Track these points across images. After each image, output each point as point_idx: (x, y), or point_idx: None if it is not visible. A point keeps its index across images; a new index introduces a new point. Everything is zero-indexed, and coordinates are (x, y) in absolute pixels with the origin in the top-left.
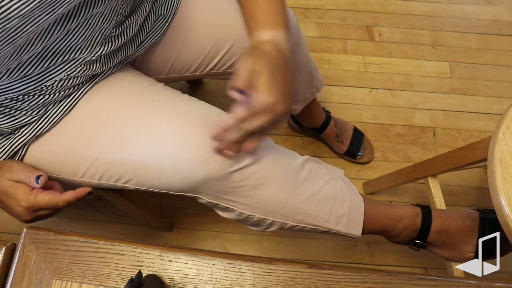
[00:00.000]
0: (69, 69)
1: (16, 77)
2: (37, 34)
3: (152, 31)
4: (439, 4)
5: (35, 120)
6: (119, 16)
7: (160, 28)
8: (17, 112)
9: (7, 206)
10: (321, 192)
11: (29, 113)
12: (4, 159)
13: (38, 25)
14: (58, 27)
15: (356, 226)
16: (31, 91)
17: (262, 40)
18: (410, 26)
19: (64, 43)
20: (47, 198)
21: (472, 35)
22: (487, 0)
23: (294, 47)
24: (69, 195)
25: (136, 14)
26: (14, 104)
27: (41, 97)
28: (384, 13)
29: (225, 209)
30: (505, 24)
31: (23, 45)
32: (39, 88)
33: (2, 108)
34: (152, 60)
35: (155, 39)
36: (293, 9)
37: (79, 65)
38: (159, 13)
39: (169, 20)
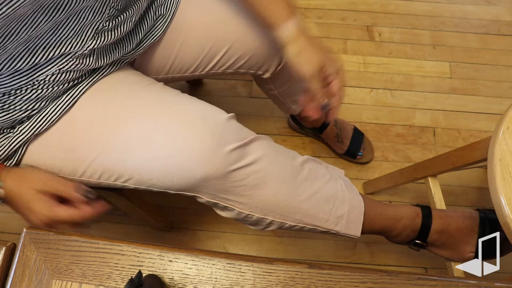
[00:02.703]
0: (60, 63)
1: (7, 72)
2: (21, 22)
3: (151, 31)
4: (439, 4)
5: (32, 116)
6: (111, 9)
7: (159, 28)
8: (11, 107)
9: (23, 214)
10: (320, 192)
11: (23, 107)
12: (3, 158)
13: (15, 8)
14: (44, 17)
15: (355, 227)
16: (23, 85)
17: (291, 32)
18: (410, 26)
19: (54, 37)
20: (66, 214)
21: (472, 35)
22: (487, 0)
23: None
24: (88, 212)
25: (131, 10)
26: (7, 99)
27: (34, 91)
28: (384, 13)
29: (224, 208)
30: (505, 24)
31: (6, 33)
32: (30, 82)
33: None
34: (151, 60)
35: (154, 38)
36: None
37: (70, 59)
38: (159, 13)
39: (168, 20)
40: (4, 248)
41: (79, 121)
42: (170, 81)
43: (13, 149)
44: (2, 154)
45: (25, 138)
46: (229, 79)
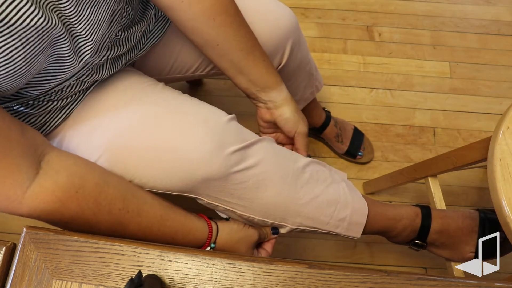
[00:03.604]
0: (79, 73)
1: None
2: None
3: (152, 32)
4: (439, 4)
5: (37, 127)
6: (123, 19)
7: (160, 29)
8: (26, 122)
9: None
10: (322, 196)
11: (36, 121)
12: None
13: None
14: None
15: (356, 229)
16: (41, 96)
17: (286, 94)
18: (410, 26)
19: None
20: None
21: (472, 35)
22: (487, 0)
23: (294, 47)
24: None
25: (142, 22)
26: (24, 109)
27: (50, 103)
28: (384, 13)
29: (225, 211)
30: (505, 24)
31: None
32: (49, 93)
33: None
34: (152, 61)
35: (155, 40)
36: (293, 9)
37: (87, 69)
38: (159, 14)
39: (169, 21)
40: (4, 248)
41: (79, 123)
42: (171, 81)
43: None
44: None
45: None
46: (229, 79)
